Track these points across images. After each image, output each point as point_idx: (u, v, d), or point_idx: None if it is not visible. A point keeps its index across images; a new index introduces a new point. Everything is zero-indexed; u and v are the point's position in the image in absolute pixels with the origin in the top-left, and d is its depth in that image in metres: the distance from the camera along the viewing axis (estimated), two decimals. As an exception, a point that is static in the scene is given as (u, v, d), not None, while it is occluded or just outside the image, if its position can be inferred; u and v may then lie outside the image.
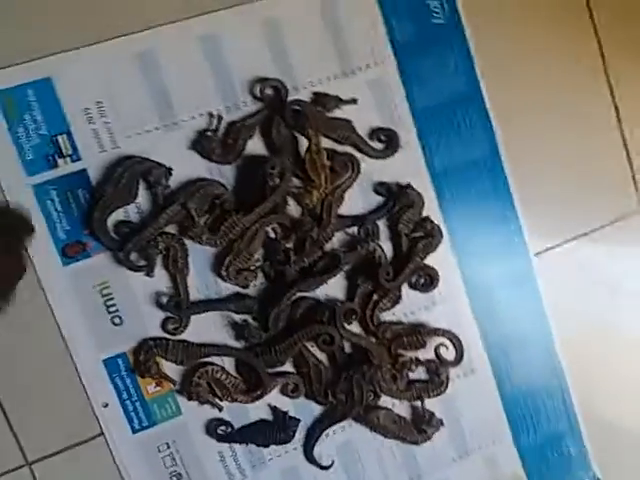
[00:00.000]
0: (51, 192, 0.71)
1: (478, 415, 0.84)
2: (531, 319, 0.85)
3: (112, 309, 0.73)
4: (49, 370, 0.73)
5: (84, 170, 0.71)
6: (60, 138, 0.70)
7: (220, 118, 0.73)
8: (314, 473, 0.80)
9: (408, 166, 0.79)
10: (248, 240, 0.73)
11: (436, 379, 0.81)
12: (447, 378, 0.81)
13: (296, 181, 0.75)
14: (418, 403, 0.81)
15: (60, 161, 0.71)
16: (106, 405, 0.74)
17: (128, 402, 0.74)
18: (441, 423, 0.82)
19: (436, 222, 0.80)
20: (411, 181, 0.78)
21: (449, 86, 0.80)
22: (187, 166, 0.73)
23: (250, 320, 0.76)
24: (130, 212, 0.73)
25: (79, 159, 0.71)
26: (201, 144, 0.72)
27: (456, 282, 0.82)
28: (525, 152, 0.82)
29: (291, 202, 0.76)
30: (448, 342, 0.80)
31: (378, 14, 0.78)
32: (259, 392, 0.76)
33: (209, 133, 0.72)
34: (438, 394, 0.81)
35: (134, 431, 0.75)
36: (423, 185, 0.80)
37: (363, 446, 0.81)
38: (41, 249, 0.71)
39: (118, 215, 0.72)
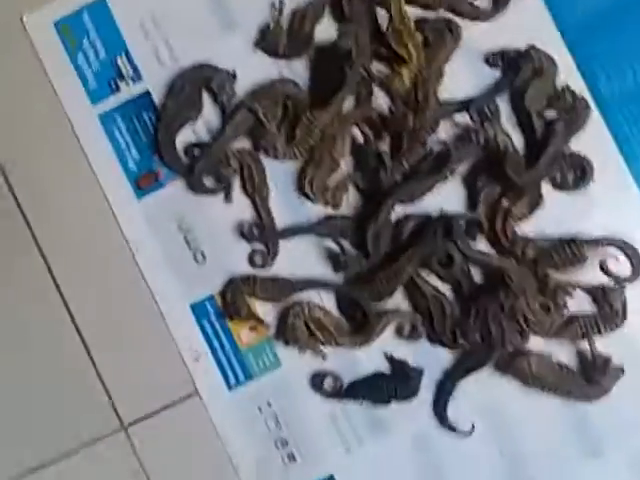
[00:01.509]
0: (117, 119, 0.74)
1: None
2: None
3: (193, 244, 0.73)
4: (137, 322, 0.74)
5: (147, 92, 0.73)
6: (119, 59, 0.73)
7: (282, 4, 0.70)
8: (451, 442, 0.69)
9: (528, 23, 0.68)
10: (330, 143, 0.69)
11: (607, 308, 0.67)
12: (624, 305, 0.66)
13: (380, 66, 0.68)
14: (585, 344, 0.67)
15: (122, 85, 0.74)
16: (197, 358, 0.72)
17: (220, 352, 0.73)
18: (621, 371, 0.67)
19: (578, 92, 0.67)
20: (535, 41, 0.67)
21: None
22: (253, 68, 0.72)
23: (347, 246, 0.70)
24: (199, 131, 0.72)
25: (140, 79, 0.73)
26: (265, 39, 0.71)
27: (619, 172, 0.67)
28: None
29: (379, 94, 0.69)
30: (618, 252, 0.65)
31: None
32: (367, 333, 0.69)
33: (272, 25, 0.70)
34: (612, 329, 0.67)
35: (230, 387, 0.73)
36: (552, 45, 0.68)
37: (514, 406, 0.69)
38: (114, 183, 0.73)
39: (187, 137, 0.73)
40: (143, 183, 0.73)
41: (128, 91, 0.73)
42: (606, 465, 0.69)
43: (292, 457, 0.72)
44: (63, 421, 0.75)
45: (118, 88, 0.74)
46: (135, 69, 0.73)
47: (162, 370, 0.74)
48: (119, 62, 0.73)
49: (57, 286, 0.74)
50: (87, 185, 0.74)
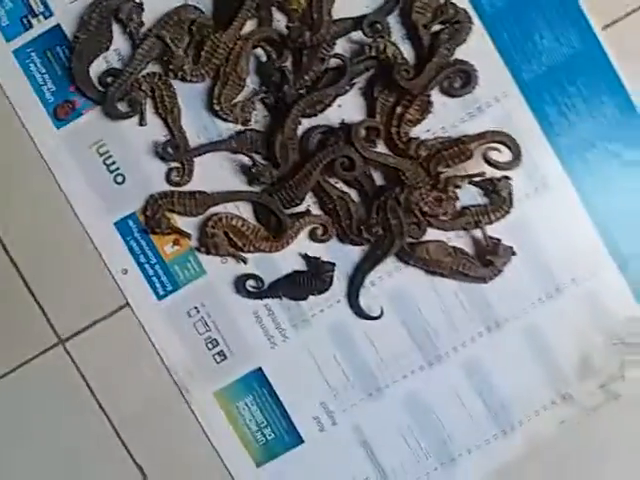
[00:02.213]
0: (31, 54, 0.78)
1: (562, 240, 0.77)
2: (610, 102, 0.75)
3: (113, 167, 0.79)
4: (64, 242, 0.80)
5: (58, 25, 0.78)
6: None
7: None
8: (364, 327, 0.78)
9: None
10: (234, 62, 0.75)
11: (495, 197, 0.76)
12: (509, 194, 0.76)
13: None
14: (478, 232, 0.75)
15: (34, 21, 0.78)
16: (125, 272, 0.79)
17: (147, 266, 0.79)
18: (512, 252, 0.76)
19: (461, 5, 0.74)
20: None
21: None
22: None
23: (258, 159, 0.76)
24: (112, 60, 0.78)
25: (51, 14, 0.78)
26: None
27: (503, 74, 0.75)
28: None
29: (278, 15, 0.75)
30: (500, 145, 0.74)
31: None
32: (283, 237, 0.76)
33: None
34: (501, 216, 0.76)
35: (159, 297, 0.80)
36: None
37: (418, 291, 0.78)
38: (33, 115, 0.78)
39: (100, 66, 0.78)
40: (61, 113, 0.78)
41: (40, 27, 0.77)
42: (505, 335, 0.78)
43: (223, 355, 0.79)
44: (1, 342, 0.81)
45: (31, 24, 0.78)
46: (45, 5, 0.77)
47: (93, 286, 0.80)
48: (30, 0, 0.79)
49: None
50: (6, 118, 0.78)
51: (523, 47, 0.76)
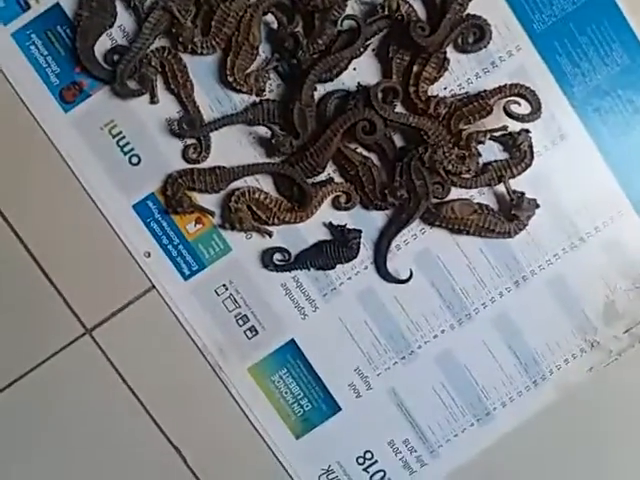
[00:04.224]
0: (32, 36, 0.74)
1: (582, 190, 0.77)
2: (620, 49, 0.74)
3: (127, 148, 0.75)
4: (82, 229, 0.77)
5: (57, 4, 0.73)
6: None
7: None
8: (394, 291, 0.77)
9: None
10: (245, 30, 0.71)
11: (516, 151, 0.75)
12: (530, 147, 0.74)
13: None
14: (501, 187, 0.75)
15: (31, 1, 0.73)
16: (149, 254, 0.76)
17: (171, 247, 0.77)
18: (536, 204, 0.75)
19: None
20: None
21: None
22: None
23: (277, 129, 0.74)
24: (116, 37, 0.74)
25: None
26: None
27: (515, 27, 0.74)
28: None
29: None
30: (519, 98, 0.73)
31: None
32: (306, 206, 0.74)
33: None
34: (523, 169, 0.75)
35: (185, 277, 0.77)
36: None
37: (445, 251, 0.77)
38: (39, 100, 0.75)
39: (105, 44, 0.74)
40: (68, 96, 0.74)
41: (38, 7, 0.73)
42: (531, 289, 0.78)
43: (254, 330, 0.77)
44: (28, 337, 0.77)
45: (28, 5, 0.73)
46: None
47: (116, 272, 0.77)
48: (25, -21, 0.75)
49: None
50: (10, 105, 0.74)
51: None
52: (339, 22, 0.72)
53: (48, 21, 0.73)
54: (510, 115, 0.73)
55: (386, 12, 0.72)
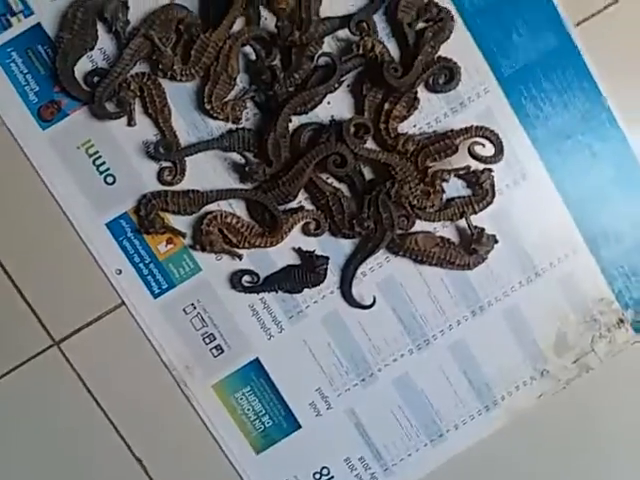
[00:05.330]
0: (12, 54, 0.74)
1: (540, 227, 0.80)
2: (582, 96, 0.78)
3: (102, 168, 0.77)
4: (55, 244, 0.78)
5: (38, 24, 0.74)
6: None
7: None
8: (357, 316, 0.80)
9: None
10: (224, 61, 0.73)
11: (478, 189, 0.78)
12: (492, 185, 0.78)
13: None
14: (463, 222, 0.78)
15: (13, 20, 0.74)
16: (120, 272, 0.78)
17: (142, 265, 0.78)
18: (495, 240, 0.78)
19: (443, 5, 0.75)
20: None
21: None
22: None
23: (250, 157, 0.76)
24: (97, 59, 0.75)
25: (31, 13, 0.74)
26: None
27: (484, 70, 0.77)
28: None
29: (267, 15, 0.74)
30: (484, 140, 0.76)
31: None
32: (277, 232, 0.77)
33: None
34: (484, 206, 0.78)
35: (155, 295, 0.79)
36: None
37: (407, 279, 0.80)
38: (17, 117, 0.75)
39: (85, 66, 0.75)
40: (46, 114, 0.75)
41: (20, 25, 0.74)
42: (487, 318, 0.81)
43: (220, 349, 0.80)
44: None
45: (10, 23, 0.74)
46: (25, 3, 0.74)
47: (87, 287, 0.78)
48: (8, -1, 0.75)
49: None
50: None
51: (502, 44, 0.77)
52: (315, 58, 0.74)
53: (29, 40, 0.74)
54: (474, 156, 0.76)
55: (361, 51, 0.74)
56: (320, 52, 0.74)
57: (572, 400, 0.83)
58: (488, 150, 0.77)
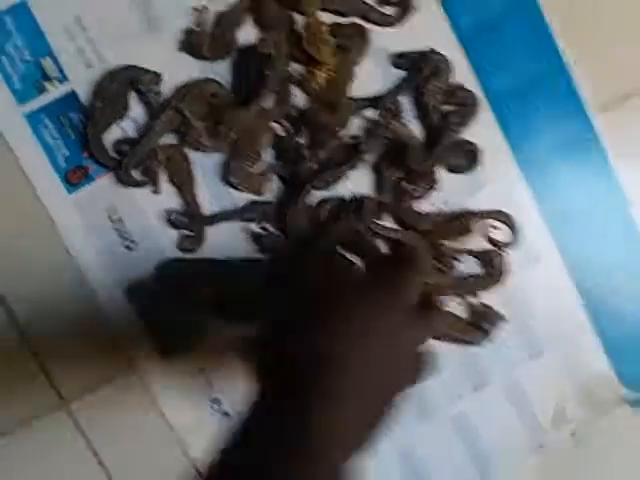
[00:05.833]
0: (44, 119, 0.76)
1: (549, 308, 0.82)
2: (602, 187, 0.80)
3: (125, 233, 0.78)
4: (72, 309, 0.78)
5: (73, 91, 0.76)
6: (44, 61, 0.75)
7: (205, 9, 0.74)
8: None
9: (429, 30, 0.77)
10: (252, 138, 0.75)
11: (491, 269, 0.80)
12: (503, 266, 0.80)
13: (298, 67, 0.76)
14: (473, 299, 0.80)
15: (47, 85, 0.75)
16: None
17: None
18: (502, 318, 0.81)
19: (470, 88, 0.77)
20: (434, 44, 0.76)
21: None
22: (178, 69, 0.75)
23: (270, 228, 0.78)
24: (127, 128, 0.76)
25: (66, 79, 0.76)
26: (189, 42, 0.74)
27: (504, 157, 0.79)
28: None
29: (297, 92, 0.76)
30: (499, 223, 0.79)
31: None
32: None
33: (196, 28, 0.74)
34: (494, 285, 0.80)
35: None
36: (449, 48, 0.77)
37: None
38: (44, 180, 0.76)
39: (116, 134, 0.76)
40: (73, 178, 0.76)
41: (54, 91, 0.75)
42: (489, 396, 0.83)
43: None
44: None
45: (44, 89, 0.75)
46: (61, 70, 0.75)
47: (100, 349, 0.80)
48: (44, 63, 0.75)
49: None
50: (17, 182, 0.76)
51: (527, 128, 0.79)
52: (341, 137, 0.77)
53: (62, 106, 0.75)
54: (490, 242, 0.79)
55: (386, 133, 0.76)
56: (348, 134, 0.76)
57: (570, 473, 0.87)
58: (502, 233, 0.80)
